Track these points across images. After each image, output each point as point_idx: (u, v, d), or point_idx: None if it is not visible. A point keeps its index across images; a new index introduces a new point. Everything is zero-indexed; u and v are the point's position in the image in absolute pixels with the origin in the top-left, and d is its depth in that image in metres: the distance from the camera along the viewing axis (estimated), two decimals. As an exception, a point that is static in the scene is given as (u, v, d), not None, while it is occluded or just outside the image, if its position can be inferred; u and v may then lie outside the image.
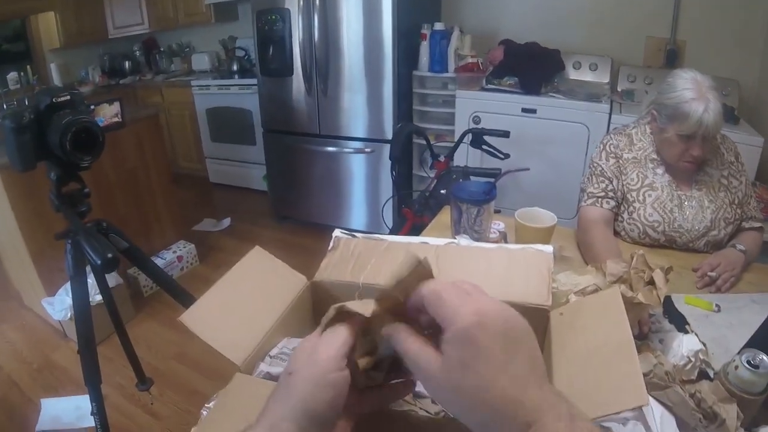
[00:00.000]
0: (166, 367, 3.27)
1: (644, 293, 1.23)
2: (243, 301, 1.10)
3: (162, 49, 6.66)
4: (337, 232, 1.34)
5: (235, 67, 5.98)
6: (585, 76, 4.27)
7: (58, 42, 6.01)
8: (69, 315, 3.27)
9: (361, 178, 4.62)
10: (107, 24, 6.32)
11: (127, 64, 6.60)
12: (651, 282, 1.28)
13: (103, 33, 6.34)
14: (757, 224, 2.22)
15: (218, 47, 6.29)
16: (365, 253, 1.26)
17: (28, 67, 5.80)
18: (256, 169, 5.73)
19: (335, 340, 0.67)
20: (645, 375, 1.20)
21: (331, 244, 1.31)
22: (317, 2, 4.09)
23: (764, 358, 1.19)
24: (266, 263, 1.21)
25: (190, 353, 3.31)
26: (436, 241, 1.29)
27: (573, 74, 4.28)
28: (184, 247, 4.39)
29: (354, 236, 1.33)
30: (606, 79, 4.22)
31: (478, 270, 1.19)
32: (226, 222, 5.23)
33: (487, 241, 1.80)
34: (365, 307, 0.69)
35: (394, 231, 3.54)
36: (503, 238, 1.90)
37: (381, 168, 4.47)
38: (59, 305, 3.32)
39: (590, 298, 1.10)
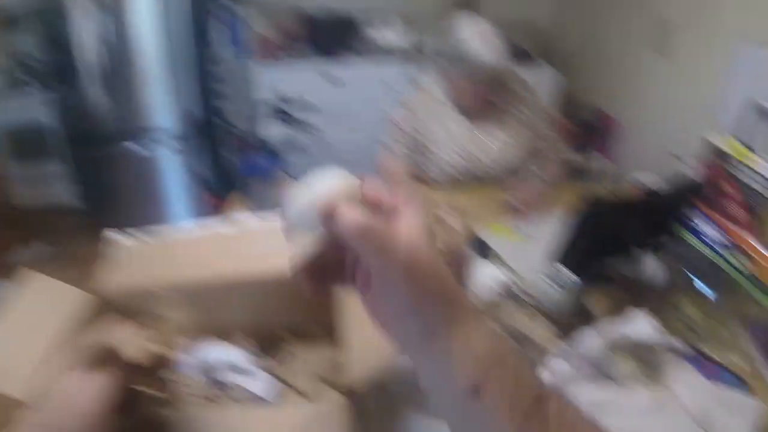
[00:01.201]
0: None
1: (443, 238, 1.25)
2: (18, 332, 0.99)
3: None
4: (114, 236, 1.27)
5: (26, 79, 5.48)
6: (383, 36, 4.23)
7: None
8: None
9: (174, 172, 4.41)
10: None
11: None
12: (451, 225, 1.29)
13: None
14: (557, 150, 2.32)
15: (7, 61, 5.76)
16: (152, 251, 1.21)
17: None
18: (65, 185, 5.31)
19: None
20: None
21: (111, 249, 1.23)
22: (104, -1, 3.81)
23: (566, 271, 1.23)
24: (42, 284, 1.13)
25: None
26: (212, 222, 1.26)
27: (372, 36, 4.24)
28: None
29: (133, 236, 1.27)
30: (406, 37, 4.21)
31: (258, 242, 1.17)
32: (39, 247, 4.85)
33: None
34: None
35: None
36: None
37: (192, 159, 4.25)
38: None
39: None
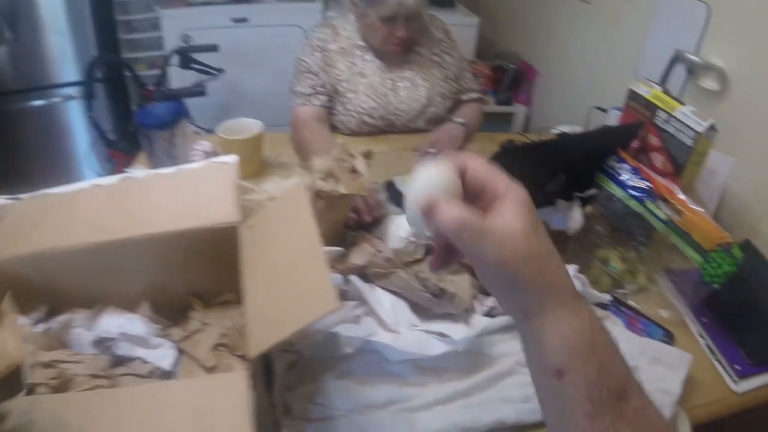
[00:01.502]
0: None
1: (347, 183, 1.13)
2: None
3: None
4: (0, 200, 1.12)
5: None
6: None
7: None
8: None
9: (79, 127, 4.17)
10: None
11: None
12: (356, 170, 1.19)
13: None
14: (475, 95, 2.24)
15: None
16: (33, 215, 1.08)
17: None
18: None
19: None
20: (364, 267, 1.12)
21: None
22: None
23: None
24: None
25: None
26: (108, 180, 1.14)
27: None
28: None
29: (18, 198, 1.15)
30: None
31: (158, 200, 1.04)
32: None
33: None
34: None
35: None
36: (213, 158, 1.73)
37: (97, 113, 4.04)
38: None
39: (278, 202, 0.98)
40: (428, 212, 0.56)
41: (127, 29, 4.14)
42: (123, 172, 2.64)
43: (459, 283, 1.12)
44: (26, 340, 0.88)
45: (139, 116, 1.56)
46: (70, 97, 4.01)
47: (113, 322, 1.00)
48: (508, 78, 3.47)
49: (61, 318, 1.00)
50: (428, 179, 0.58)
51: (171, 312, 1.07)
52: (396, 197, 1.56)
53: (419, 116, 2.08)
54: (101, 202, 1.05)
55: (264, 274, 0.85)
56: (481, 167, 0.61)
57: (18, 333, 0.69)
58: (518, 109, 3.52)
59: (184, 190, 1.05)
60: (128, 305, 1.04)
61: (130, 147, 2.89)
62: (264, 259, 0.87)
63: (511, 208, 0.58)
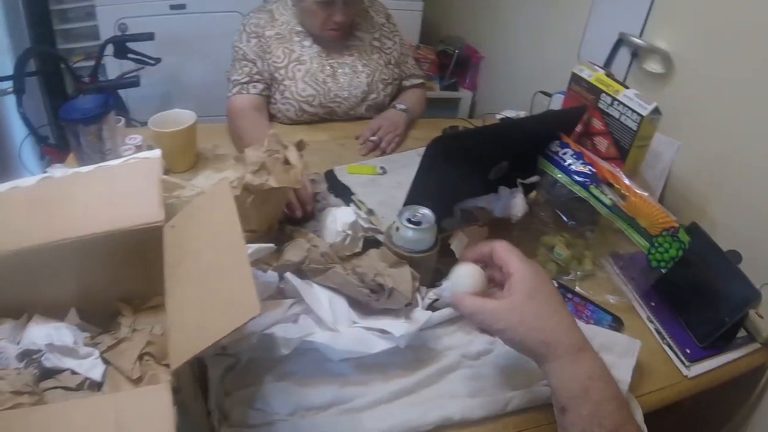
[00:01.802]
0: None
1: (278, 176, 1.08)
2: None
3: None
4: None
5: None
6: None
7: None
8: None
9: (15, 122, 4.04)
10: None
11: None
12: (288, 161, 1.13)
13: None
14: (418, 81, 2.20)
15: None
16: None
17: None
18: None
19: None
20: (300, 263, 1.07)
21: None
22: None
23: (425, 212, 1.11)
24: None
25: None
26: (26, 182, 1.06)
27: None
28: None
29: None
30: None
31: (80, 201, 0.98)
32: None
33: (122, 160, 1.55)
34: None
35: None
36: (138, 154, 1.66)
37: (34, 103, 3.91)
38: None
39: (201, 199, 0.92)
40: (456, 305, 0.90)
41: (62, 19, 4.00)
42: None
43: (398, 277, 1.07)
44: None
45: (63, 111, 1.48)
46: (4, 92, 3.86)
47: (40, 332, 0.95)
48: (452, 63, 3.44)
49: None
50: (458, 278, 0.92)
51: (100, 318, 1.02)
52: (336, 187, 1.51)
53: (360, 103, 2.02)
54: (21, 206, 0.99)
55: (186, 277, 0.80)
56: (502, 251, 0.89)
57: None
58: (463, 95, 3.49)
59: (106, 189, 0.99)
60: (56, 313, 0.99)
61: (63, 143, 2.79)
62: (186, 261, 0.82)
63: (515, 286, 0.84)
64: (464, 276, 0.91)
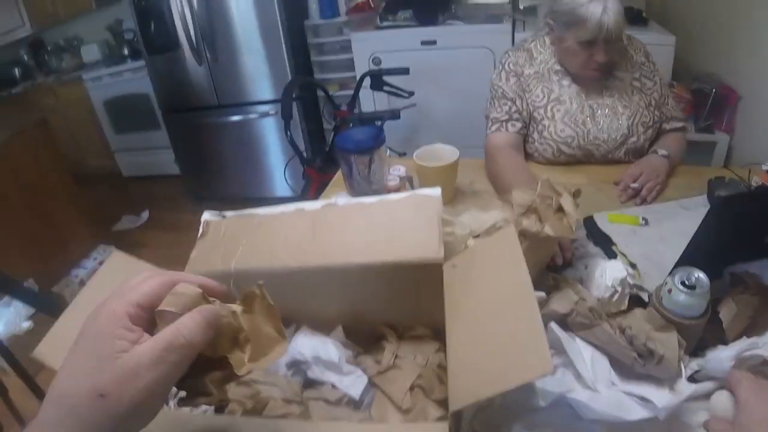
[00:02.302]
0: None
1: (553, 224, 1.06)
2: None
3: (49, 48, 6.10)
4: (206, 215, 1.19)
5: (126, 52, 5.54)
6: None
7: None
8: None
9: (272, 142, 4.40)
10: (-14, 35, 5.77)
11: (16, 70, 6.03)
12: (561, 209, 1.11)
13: (-17, 44, 5.80)
14: (679, 124, 2.08)
15: (106, 34, 5.82)
16: (237, 234, 1.10)
17: None
18: (166, 154, 5.36)
19: None
20: (566, 315, 1.04)
21: (200, 230, 1.15)
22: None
23: (700, 275, 1.03)
24: (128, 268, 1.05)
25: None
26: (311, 206, 1.13)
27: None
28: (105, 252, 4.10)
29: (224, 216, 1.17)
30: (507, -1, 4.02)
31: (358, 229, 1.04)
32: (145, 215, 4.94)
33: (387, 190, 1.62)
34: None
35: (302, 194, 3.35)
36: (408, 183, 1.71)
37: (291, 131, 4.23)
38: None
39: (485, 242, 0.92)
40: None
41: (319, 51, 4.32)
42: (317, 188, 2.73)
43: (667, 343, 1.00)
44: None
45: (339, 140, 1.59)
46: (265, 114, 4.23)
47: (307, 344, 1.03)
48: (708, 103, 3.23)
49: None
50: (720, 404, 0.85)
51: (363, 338, 1.08)
52: (596, 235, 1.46)
53: (620, 147, 1.95)
54: (304, 227, 1.07)
55: (468, 319, 0.81)
56: (740, 390, 0.80)
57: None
58: (719, 138, 3.25)
59: (387, 221, 1.04)
60: (322, 327, 1.06)
61: (324, 166, 2.97)
62: (468, 303, 0.83)
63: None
64: (726, 405, 0.84)
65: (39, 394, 2.11)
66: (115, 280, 0.98)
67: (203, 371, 0.62)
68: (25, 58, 6.13)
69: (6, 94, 5.64)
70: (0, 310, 1.83)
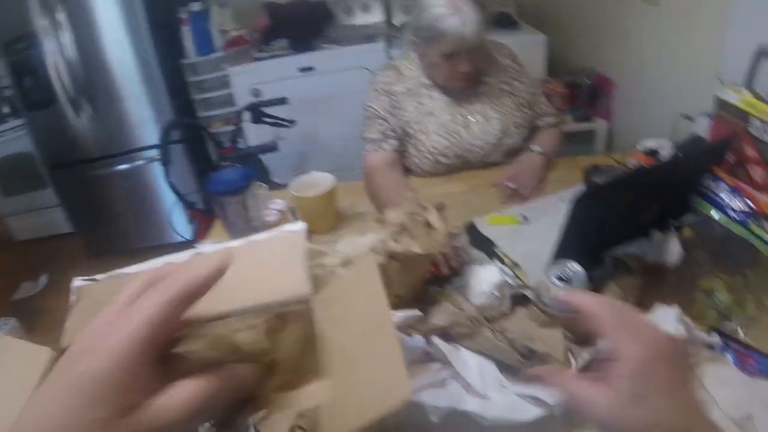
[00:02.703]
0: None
1: (422, 240, 1.07)
2: None
3: None
4: (75, 282, 1.12)
5: (6, 110, 5.37)
6: (359, 19, 4.11)
7: None
8: None
9: (163, 187, 4.26)
10: None
11: None
12: (430, 224, 1.13)
13: None
14: (552, 120, 2.15)
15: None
16: (109, 298, 1.04)
17: None
18: (58, 212, 5.19)
19: None
20: (447, 327, 1.05)
21: (72, 297, 1.09)
22: (64, 18, 3.68)
23: (575, 267, 1.06)
24: (16, 351, 0.98)
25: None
26: (179, 257, 1.09)
27: (346, 20, 4.11)
28: (6, 324, 3.92)
29: (95, 280, 1.11)
30: (381, 17, 4.08)
31: (229, 275, 1.01)
32: (44, 279, 4.73)
33: (267, 227, 1.60)
34: None
35: (194, 238, 3.29)
36: (290, 215, 1.70)
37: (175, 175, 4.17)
38: None
39: (347, 273, 0.92)
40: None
41: (199, 89, 4.25)
42: (206, 230, 2.69)
43: (550, 340, 1.03)
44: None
45: (209, 184, 1.57)
46: (152, 159, 4.14)
47: None
48: (584, 93, 3.36)
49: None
50: None
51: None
52: (478, 240, 1.48)
53: (495, 150, 2.00)
54: None
55: (337, 354, 0.80)
56: (610, 328, 0.63)
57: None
58: (599, 125, 3.40)
59: (249, 263, 1.02)
60: None
61: (210, 208, 2.93)
62: (335, 338, 0.82)
63: (616, 383, 0.60)
64: None
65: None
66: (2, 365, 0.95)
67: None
68: None
69: None
70: None
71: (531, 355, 1.01)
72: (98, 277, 1.12)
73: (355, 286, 0.86)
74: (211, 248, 1.11)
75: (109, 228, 4.64)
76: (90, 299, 1.08)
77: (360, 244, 1.23)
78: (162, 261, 1.11)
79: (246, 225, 1.56)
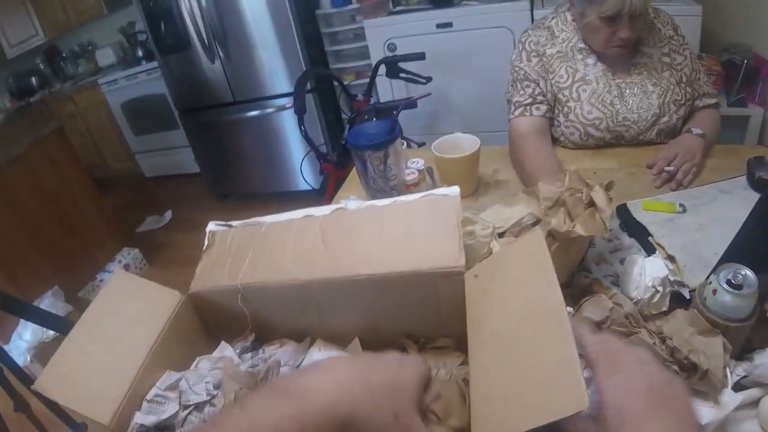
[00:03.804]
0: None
1: (584, 221, 0.96)
2: (108, 340, 0.93)
3: (65, 55, 6.12)
4: (211, 226, 1.13)
5: (140, 53, 5.54)
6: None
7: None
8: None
9: (292, 136, 4.35)
10: (1, 45, 5.73)
11: (34, 79, 6.02)
12: (592, 203, 1.00)
13: (0, 56, 5.79)
14: (712, 100, 1.95)
15: (119, 37, 5.86)
16: (243, 245, 1.06)
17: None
18: (186, 153, 5.37)
19: None
20: (601, 323, 0.94)
21: (206, 241, 1.10)
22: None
23: (747, 273, 0.91)
24: (131, 287, 1.03)
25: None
26: (321, 211, 1.07)
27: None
28: (129, 254, 4.10)
29: (230, 226, 1.13)
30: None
31: (371, 236, 0.97)
32: (168, 215, 4.97)
33: (405, 186, 1.52)
34: None
35: (321, 189, 3.27)
36: (427, 175, 1.62)
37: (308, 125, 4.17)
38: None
39: (509, 248, 0.82)
40: None
41: (332, 41, 4.25)
42: (335, 183, 2.66)
43: (711, 353, 0.89)
44: (231, 378, 0.87)
45: (350, 137, 1.50)
46: (282, 108, 4.16)
47: (321, 357, 0.97)
48: (740, 75, 3.08)
49: (268, 351, 0.99)
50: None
51: (382, 350, 0.98)
52: (630, 225, 1.35)
53: (651, 127, 1.83)
54: (313, 236, 1.01)
55: (492, 340, 0.72)
56: (590, 354, 0.67)
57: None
58: (753, 111, 3.11)
59: (402, 227, 0.96)
60: (338, 340, 1.01)
61: (341, 160, 2.90)
62: (491, 321, 0.74)
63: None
64: None
65: (59, 411, 2.05)
66: (119, 300, 1.00)
67: None
68: (41, 66, 6.17)
69: (24, 104, 5.69)
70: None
71: (692, 369, 0.87)
72: (234, 223, 1.09)
73: (519, 265, 0.76)
74: (355, 204, 1.04)
75: (234, 172, 4.75)
76: (222, 245, 1.06)
77: (507, 216, 1.13)
78: (302, 213, 1.06)
79: (384, 182, 1.50)
